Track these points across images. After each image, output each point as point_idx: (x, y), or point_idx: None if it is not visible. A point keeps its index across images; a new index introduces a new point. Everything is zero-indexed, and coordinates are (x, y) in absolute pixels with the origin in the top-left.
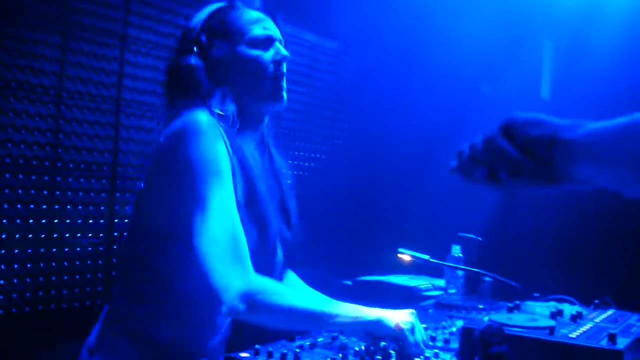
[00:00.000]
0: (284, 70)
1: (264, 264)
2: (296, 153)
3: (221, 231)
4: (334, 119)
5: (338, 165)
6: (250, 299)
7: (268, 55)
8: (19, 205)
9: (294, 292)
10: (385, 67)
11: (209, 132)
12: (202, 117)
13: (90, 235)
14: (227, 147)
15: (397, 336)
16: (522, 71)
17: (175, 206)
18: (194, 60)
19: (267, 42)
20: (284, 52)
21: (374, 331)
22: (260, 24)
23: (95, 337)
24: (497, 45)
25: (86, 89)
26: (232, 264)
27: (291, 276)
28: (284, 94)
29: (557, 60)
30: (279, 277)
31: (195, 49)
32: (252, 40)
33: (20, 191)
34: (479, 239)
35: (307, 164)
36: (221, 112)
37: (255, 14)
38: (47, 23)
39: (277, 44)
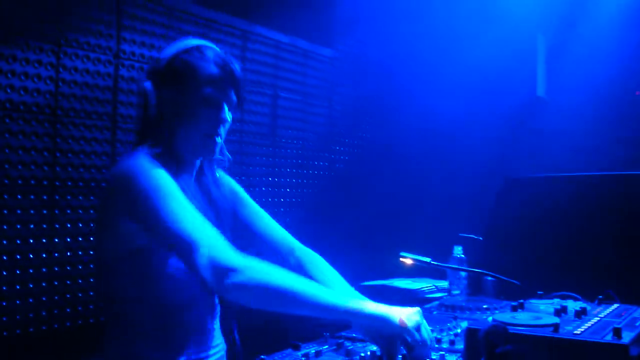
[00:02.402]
0: (221, 131)
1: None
2: (295, 161)
3: (194, 226)
4: (331, 124)
5: (337, 171)
6: (244, 272)
7: (211, 114)
8: (18, 226)
9: (291, 274)
10: (380, 72)
11: (152, 164)
12: (142, 156)
13: (91, 252)
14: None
15: (401, 334)
16: (517, 69)
17: (140, 230)
18: (149, 86)
19: (214, 102)
20: (228, 116)
21: (378, 327)
22: (217, 84)
23: None
24: (492, 46)
25: (81, 106)
26: (215, 248)
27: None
28: (214, 151)
29: (551, 56)
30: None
31: (154, 77)
32: (202, 96)
33: (19, 211)
34: (480, 239)
35: (306, 171)
36: (157, 150)
37: (216, 71)
38: (40, 42)
39: (225, 106)
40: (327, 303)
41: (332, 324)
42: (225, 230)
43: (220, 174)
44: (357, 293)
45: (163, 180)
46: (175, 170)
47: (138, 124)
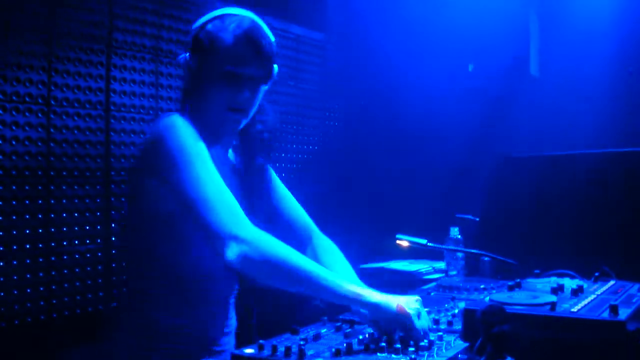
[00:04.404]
0: (246, 105)
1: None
2: (288, 146)
3: (214, 194)
4: (324, 109)
5: (331, 154)
6: (255, 245)
7: (229, 88)
8: (14, 217)
9: (297, 252)
10: (373, 55)
11: (184, 124)
12: (176, 116)
13: (88, 241)
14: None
15: (400, 320)
16: (510, 48)
17: (167, 193)
18: (183, 57)
19: (232, 76)
20: (247, 94)
21: (374, 314)
22: (234, 57)
23: (112, 341)
24: (484, 24)
25: (74, 95)
26: (232, 217)
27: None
28: (237, 126)
29: (545, 34)
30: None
31: (187, 48)
32: (220, 69)
33: (14, 202)
34: (476, 219)
35: (301, 156)
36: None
37: (233, 44)
38: (32, 33)
39: (245, 85)
40: (328, 285)
41: (331, 309)
42: (247, 207)
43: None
44: (361, 283)
45: (192, 140)
46: (209, 140)
47: (180, 93)
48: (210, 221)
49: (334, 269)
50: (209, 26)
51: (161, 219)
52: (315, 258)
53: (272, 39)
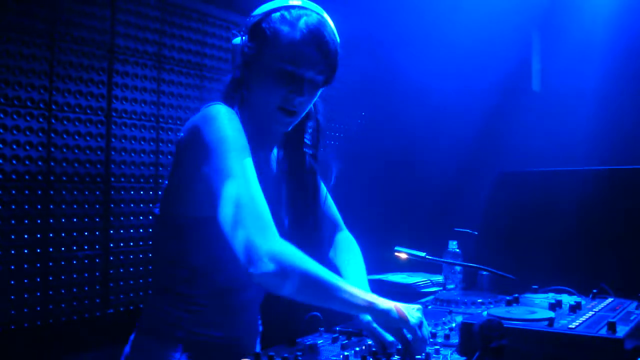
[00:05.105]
0: (299, 106)
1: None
2: None
3: (244, 197)
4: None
5: (329, 165)
6: (279, 259)
7: (284, 86)
8: (13, 221)
9: (320, 266)
10: (373, 71)
11: (227, 116)
12: (220, 106)
13: (86, 247)
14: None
15: (400, 328)
16: (512, 64)
17: (202, 189)
18: (237, 43)
19: (288, 75)
20: (304, 97)
21: (383, 321)
22: (294, 55)
23: (131, 344)
24: (486, 40)
25: (76, 101)
26: (258, 227)
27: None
28: (286, 127)
29: (547, 50)
30: None
31: (243, 34)
32: (277, 65)
33: (13, 207)
34: (475, 233)
35: None
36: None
37: (296, 40)
38: (34, 37)
39: (304, 87)
40: (345, 297)
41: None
42: (282, 210)
43: None
44: (367, 287)
45: (233, 133)
46: (254, 137)
47: (226, 81)
48: (235, 227)
49: (348, 270)
50: (275, 15)
51: (199, 223)
52: (335, 253)
53: (338, 40)
